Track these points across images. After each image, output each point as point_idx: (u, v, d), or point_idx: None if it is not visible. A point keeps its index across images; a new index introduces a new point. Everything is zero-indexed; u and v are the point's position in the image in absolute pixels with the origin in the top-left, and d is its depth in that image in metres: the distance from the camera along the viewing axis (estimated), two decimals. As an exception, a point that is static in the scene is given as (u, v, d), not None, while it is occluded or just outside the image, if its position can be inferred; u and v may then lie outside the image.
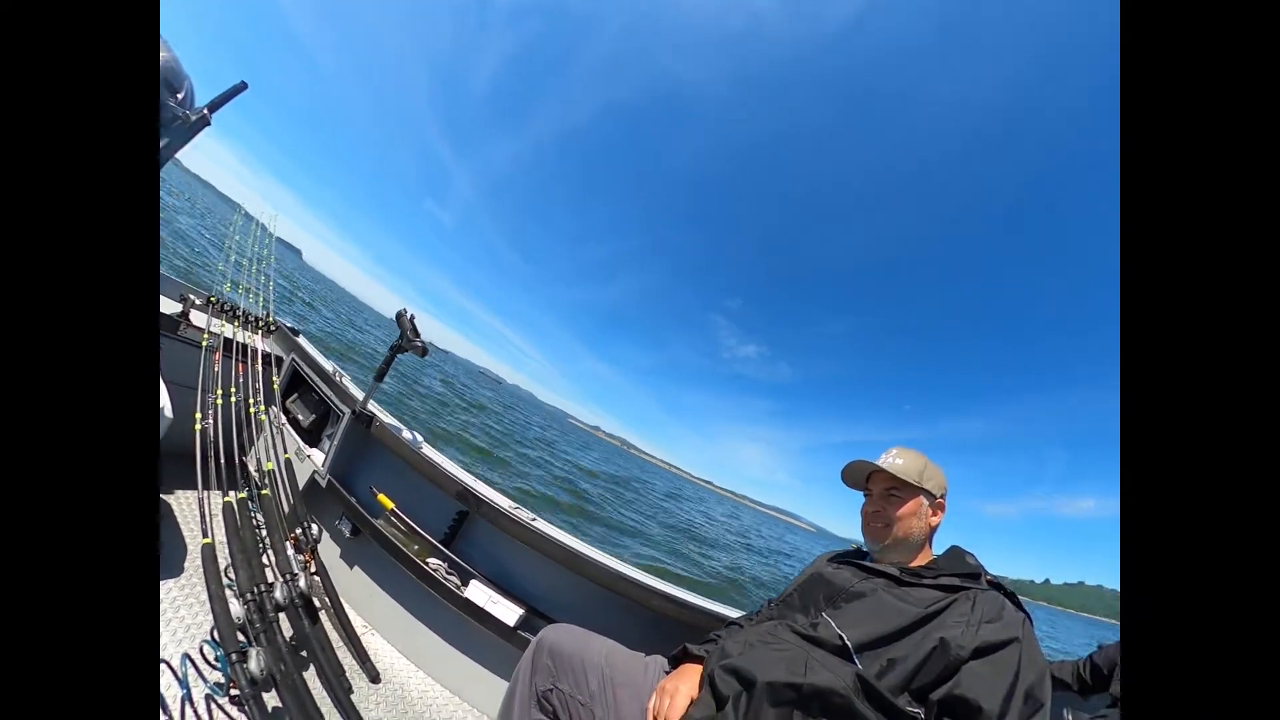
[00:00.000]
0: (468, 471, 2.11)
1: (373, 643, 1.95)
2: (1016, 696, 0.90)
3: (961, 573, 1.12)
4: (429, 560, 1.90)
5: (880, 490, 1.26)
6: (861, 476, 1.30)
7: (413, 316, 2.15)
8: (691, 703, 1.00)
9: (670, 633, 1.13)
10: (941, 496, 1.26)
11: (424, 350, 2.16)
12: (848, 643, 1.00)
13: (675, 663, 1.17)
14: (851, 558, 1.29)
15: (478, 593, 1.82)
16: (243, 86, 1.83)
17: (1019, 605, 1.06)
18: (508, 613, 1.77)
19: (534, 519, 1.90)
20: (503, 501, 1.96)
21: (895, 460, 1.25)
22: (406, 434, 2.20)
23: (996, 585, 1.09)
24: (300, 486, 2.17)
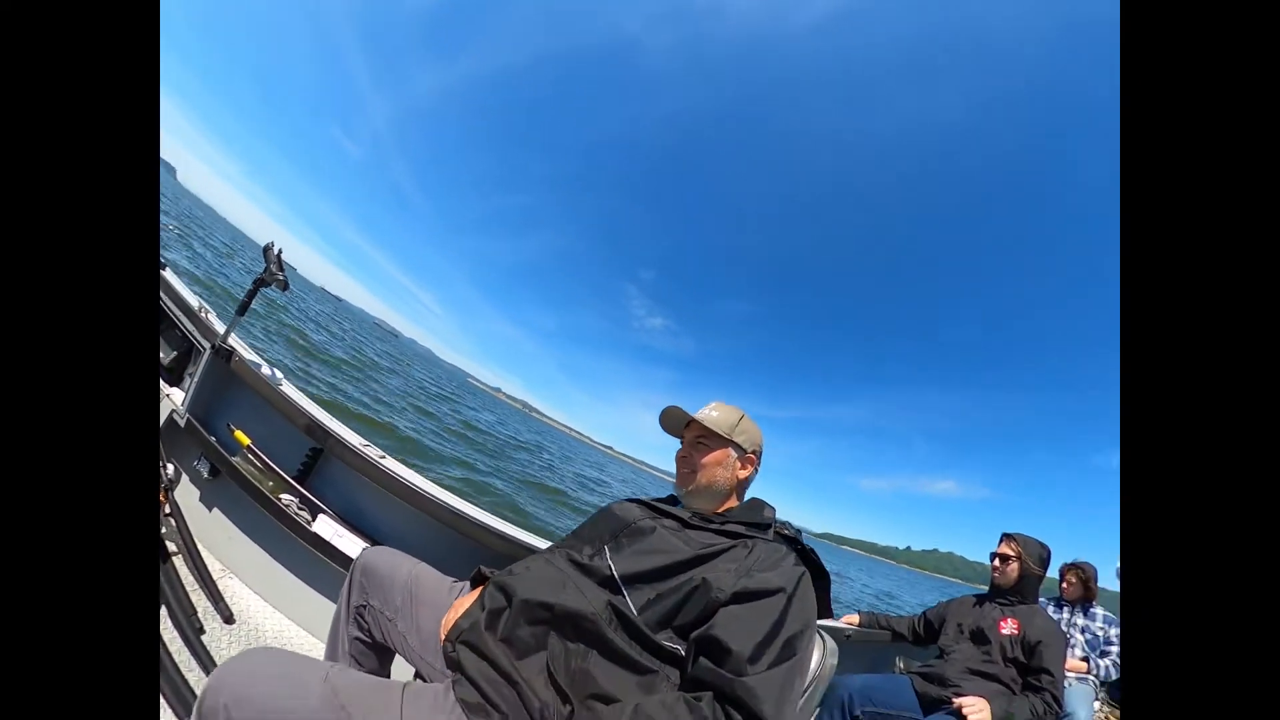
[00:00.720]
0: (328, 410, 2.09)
1: (230, 585, 1.93)
2: (773, 645, 0.90)
3: (751, 521, 1.16)
4: (281, 496, 1.90)
5: (691, 438, 1.30)
6: (679, 424, 1.34)
7: (280, 251, 2.09)
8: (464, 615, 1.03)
9: (495, 564, 1.26)
10: (753, 452, 1.30)
11: (285, 284, 2.10)
12: (615, 574, 1.04)
13: (474, 584, 1.20)
14: (660, 501, 1.31)
15: (325, 527, 1.84)
16: None
17: (811, 560, 1.09)
18: (352, 546, 1.80)
19: (382, 457, 1.93)
20: (353, 439, 1.97)
21: (711, 412, 1.30)
22: (266, 370, 2.14)
23: (789, 539, 1.12)
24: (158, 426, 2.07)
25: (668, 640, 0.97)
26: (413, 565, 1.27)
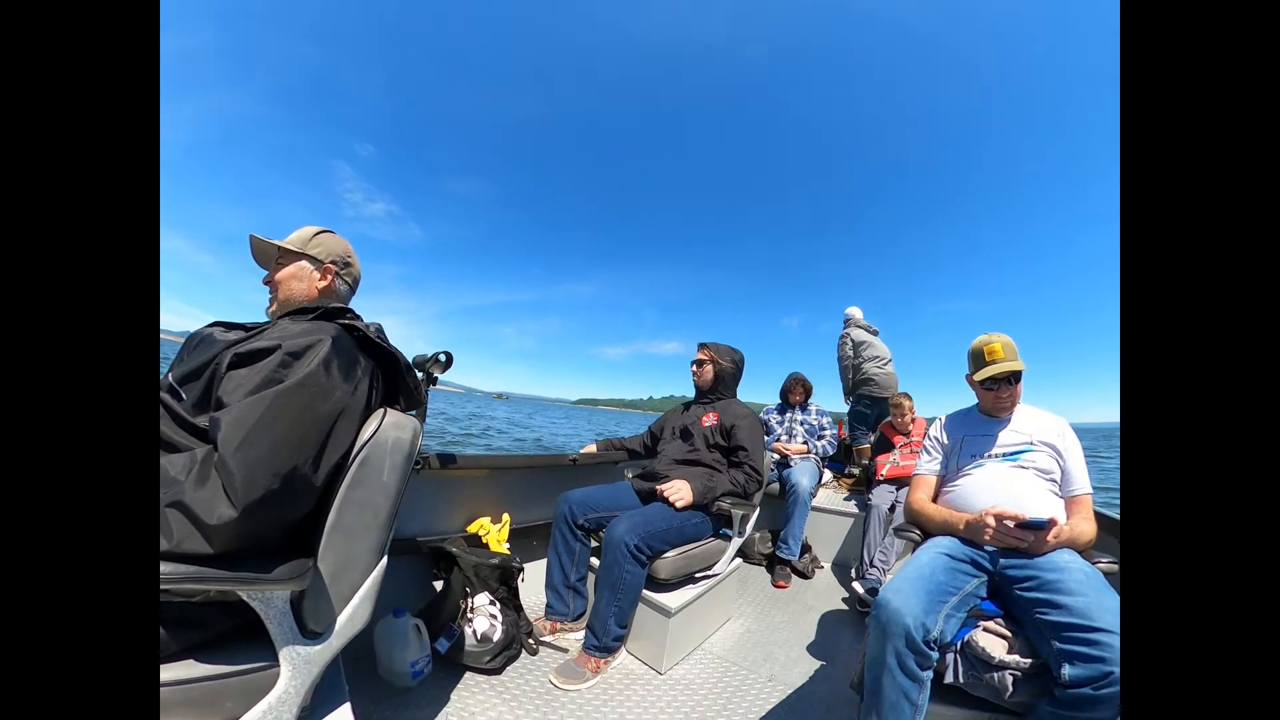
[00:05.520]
0: None
1: None
2: (270, 403, 0.91)
3: (298, 310, 1.19)
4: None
5: (273, 263, 1.31)
6: (265, 254, 1.33)
7: None
8: None
9: None
10: (331, 262, 1.30)
11: None
12: (171, 380, 1.06)
13: None
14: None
15: None
16: None
17: (373, 344, 1.13)
18: None
19: None
20: None
21: (291, 234, 1.31)
22: None
23: (348, 327, 1.12)
24: None
25: (205, 422, 0.98)
26: None
